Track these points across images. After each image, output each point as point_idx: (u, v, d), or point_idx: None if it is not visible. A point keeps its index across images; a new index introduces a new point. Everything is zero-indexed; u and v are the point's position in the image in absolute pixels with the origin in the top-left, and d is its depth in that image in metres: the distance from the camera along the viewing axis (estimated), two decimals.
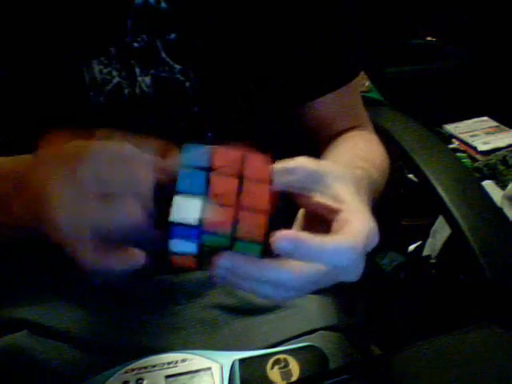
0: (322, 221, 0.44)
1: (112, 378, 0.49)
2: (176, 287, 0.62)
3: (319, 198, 0.44)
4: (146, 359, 0.51)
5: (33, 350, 0.57)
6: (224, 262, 0.40)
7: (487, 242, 0.64)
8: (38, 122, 0.59)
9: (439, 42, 1.86)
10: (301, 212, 0.47)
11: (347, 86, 0.69)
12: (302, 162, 0.44)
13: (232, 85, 0.62)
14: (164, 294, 0.62)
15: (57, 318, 0.59)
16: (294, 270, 0.40)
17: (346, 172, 0.46)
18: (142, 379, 0.49)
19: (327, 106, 0.69)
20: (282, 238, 0.39)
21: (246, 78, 0.62)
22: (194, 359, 0.51)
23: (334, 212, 0.43)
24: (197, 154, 0.41)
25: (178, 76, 0.60)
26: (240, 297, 0.62)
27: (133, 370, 0.50)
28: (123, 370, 0.50)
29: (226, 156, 0.41)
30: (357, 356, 0.60)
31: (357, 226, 0.42)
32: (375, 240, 0.43)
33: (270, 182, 0.42)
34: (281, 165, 0.43)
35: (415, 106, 1.17)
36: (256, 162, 0.41)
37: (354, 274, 0.43)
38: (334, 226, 0.42)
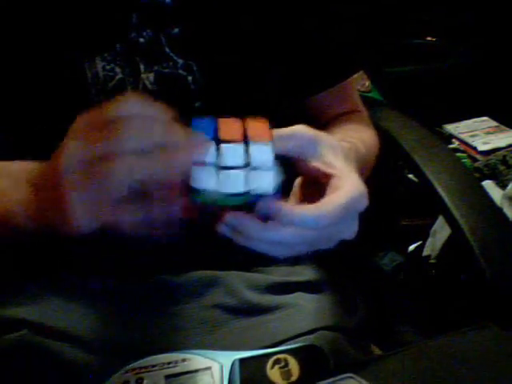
0: (317, 188, 0.48)
1: (112, 378, 0.49)
2: (176, 287, 0.62)
3: (315, 163, 0.47)
4: (146, 359, 0.51)
5: (32, 349, 0.57)
6: (230, 219, 0.43)
7: (487, 242, 0.64)
8: (38, 120, 0.60)
9: (439, 42, 1.86)
10: (297, 181, 0.51)
11: None
12: (300, 129, 0.47)
13: (234, 79, 0.62)
14: (164, 293, 0.62)
15: (57, 318, 0.59)
16: (291, 230, 0.44)
17: (336, 143, 0.50)
18: (141, 379, 0.49)
19: (322, 96, 0.72)
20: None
21: (247, 73, 0.63)
22: (194, 359, 0.51)
23: (328, 177, 0.47)
24: (204, 126, 0.44)
25: (181, 71, 0.60)
26: (240, 297, 0.62)
27: (133, 369, 0.50)
28: (123, 370, 0.50)
29: (230, 125, 0.44)
30: (357, 356, 0.60)
31: (340, 194, 0.45)
32: (364, 202, 0.46)
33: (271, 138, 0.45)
34: (280, 131, 0.46)
35: (415, 106, 1.17)
36: (258, 124, 0.45)
37: (348, 232, 0.47)
38: (327, 190, 0.46)
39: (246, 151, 0.43)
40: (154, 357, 0.52)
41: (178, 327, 0.60)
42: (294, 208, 0.44)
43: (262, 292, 0.63)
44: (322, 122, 0.72)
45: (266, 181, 0.42)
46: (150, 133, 0.41)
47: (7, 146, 0.60)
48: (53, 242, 0.64)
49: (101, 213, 0.41)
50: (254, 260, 0.66)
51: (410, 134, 0.83)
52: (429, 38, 1.86)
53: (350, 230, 0.47)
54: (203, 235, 0.66)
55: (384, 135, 0.80)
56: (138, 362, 0.51)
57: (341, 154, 0.49)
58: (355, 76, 0.75)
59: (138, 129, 0.41)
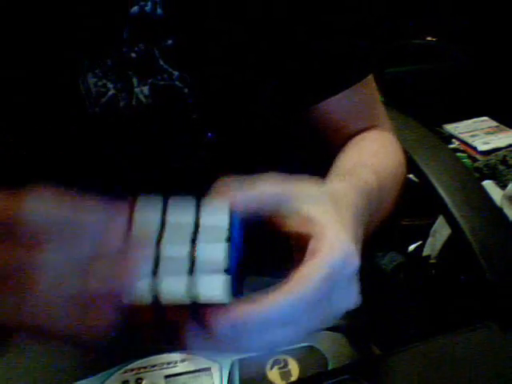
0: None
1: (111, 378, 0.49)
2: None
3: (289, 224, 0.40)
4: (146, 359, 0.51)
5: (32, 349, 0.57)
6: (221, 327, 0.35)
7: (487, 241, 0.64)
8: (33, 131, 0.59)
9: (439, 42, 1.86)
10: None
11: (360, 84, 0.64)
12: (264, 189, 0.40)
13: (230, 90, 0.61)
14: None
15: None
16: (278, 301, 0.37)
17: (318, 190, 0.42)
18: (141, 379, 0.49)
19: (337, 106, 0.64)
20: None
21: (243, 83, 0.62)
22: (194, 359, 0.51)
23: (305, 237, 0.39)
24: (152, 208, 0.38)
25: (177, 83, 0.59)
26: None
27: (132, 369, 0.50)
28: (122, 370, 0.50)
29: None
30: (357, 356, 0.60)
31: (314, 266, 0.37)
32: (353, 264, 0.38)
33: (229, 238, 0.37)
34: (241, 195, 0.40)
35: (415, 106, 1.17)
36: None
37: (346, 301, 0.39)
38: (306, 256, 0.38)
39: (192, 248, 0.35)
40: (154, 357, 0.52)
41: (177, 327, 0.60)
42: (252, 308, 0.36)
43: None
44: (338, 142, 0.64)
45: (217, 286, 0.35)
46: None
47: (3, 157, 0.60)
48: None
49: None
50: (252, 262, 0.66)
51: (410, 134, 0.83)
52: (429, 38, 1.86)
53: (350, 298, 0.39)
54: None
55: None
56: (138, 361, 0.51)
57: (326, 202, 0.41)
58: (372, 82, 0.68)
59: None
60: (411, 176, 1.28)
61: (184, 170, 0.63)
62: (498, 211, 0.79)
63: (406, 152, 0.80)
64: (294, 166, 0.56)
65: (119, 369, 0.51)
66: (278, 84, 0.64)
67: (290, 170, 0.43)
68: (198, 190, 0.59)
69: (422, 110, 1.12)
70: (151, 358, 0.52)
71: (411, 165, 0.78)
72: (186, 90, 0.59)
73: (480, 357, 0.50)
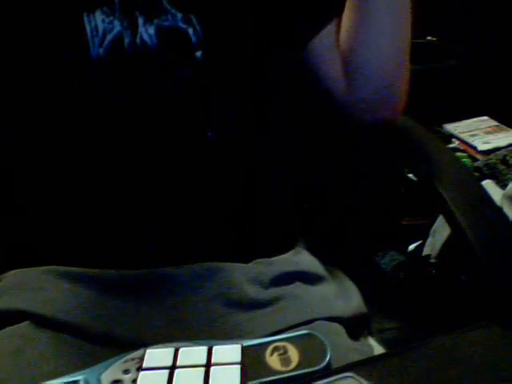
0: None
1: (112, 367, 0.49)
2: (176, 279, 0.62)
3: None
4: (146, 349, 0.51)
5: (34, 340, 0.57)
6: None
7: (487, 241, 0.64)
8: (37, 80, 0.61)
9: (439, 42, 1.86)
10: None
11: None
12: None
13: (234, 28, 0.64)
14: (164, 285, 0.62)
15: (58, 309, 0.59)
16: None
17: None
18: (141, 368, 0.49)
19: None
20: None
21: (248, 21, 0.64)
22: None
23: None
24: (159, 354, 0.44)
25: (181, 24, 0.62)
26: (240, 290, 0.62)
27: (133, 359, 0.50)
28: (123, 360, 0.50)
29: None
30: (355, 346, 0.61)
31: None
32: None
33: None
34: None
35: (415, 106, 1.17)
36: None
37: None
38: None
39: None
40: (155, 346, 0.52)
41: (179, 319, 0.60)
42: None
43: (262, 285, 0.64)
44: None
45: None
46: None
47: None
48: (53, 234, 0.65)
49: None
50: (253, 252, 0.67)
51: (410, 134, 0.83)
52: (429, 38, 1.86)
53: None
54: (203, 229, 0.66)
55: (384, 135, 0.80)
56: (138, 351, 0.50)
57: None
58: None
59: None
60: (411, 176, 1.28)
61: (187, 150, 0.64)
62: (498, 211, 0.79)
63: (405, 152, 0.80)
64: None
65: (120, 358, 0.51)
66: (279, 21, 0.67)
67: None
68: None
69: (422, 110, 1.12)
70: (152, 347, 0.52)
71: (411, 165, 0.78)
72: (190, 31, 0.62)
73: (480, 357, 0.50)
